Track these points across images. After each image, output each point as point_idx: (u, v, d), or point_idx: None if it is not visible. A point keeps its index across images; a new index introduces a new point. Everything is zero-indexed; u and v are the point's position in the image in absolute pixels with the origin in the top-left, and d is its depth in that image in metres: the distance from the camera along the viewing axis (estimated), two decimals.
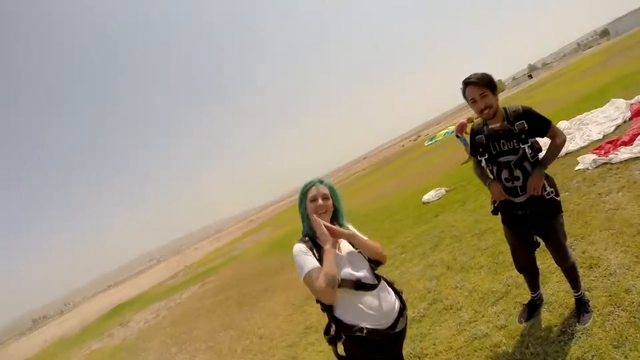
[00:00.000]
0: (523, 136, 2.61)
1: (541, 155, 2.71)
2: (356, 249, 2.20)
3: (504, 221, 3.00)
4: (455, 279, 4.51)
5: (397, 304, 2.22)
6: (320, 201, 2.17)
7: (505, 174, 2.74)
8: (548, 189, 2.66)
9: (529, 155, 2.63)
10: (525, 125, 2.60)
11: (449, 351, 3.33)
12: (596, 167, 5.67)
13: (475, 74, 2.63)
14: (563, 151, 7.11)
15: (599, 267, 3.36)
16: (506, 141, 2.69)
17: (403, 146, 73.55)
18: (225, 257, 23.01)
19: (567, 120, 8.87)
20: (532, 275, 3.17)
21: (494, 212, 2.95)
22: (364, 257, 2.20)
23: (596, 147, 6.36)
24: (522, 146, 2.62)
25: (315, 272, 1.96)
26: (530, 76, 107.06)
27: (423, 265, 5.42)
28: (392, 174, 23.17)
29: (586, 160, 5.93)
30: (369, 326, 2.01)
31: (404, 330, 2.21)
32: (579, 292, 2.93)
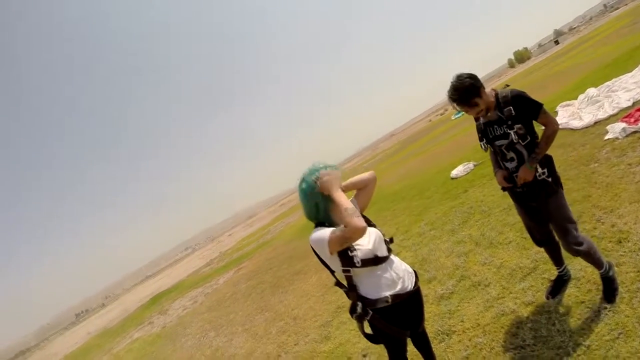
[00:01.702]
0: (510, 122, 2.71)
1: (534, 140, 2.77)
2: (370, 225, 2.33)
3: (512, 198, 3.12)
4: (484, 255, 4.52)
5: (406, 266, 2.41)
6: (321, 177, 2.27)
7: (500, 156, 2.92)
8: (539, 170, 2.72)
9: (515, 141, 2.72)
10: (513, 111, 2.68)
11: (477, 328, 3.39)
12: (626, 135, 5.54)
13: (454, 87, 2.68)
14: (592, 119, 6.98)
15: (628, 241, 3.31)
16: (498, 126, 2.81)
17: (430, 121, 72.75)
18: (259, 241, 23.26)
19: (595, 87, 8.65)
20: (552, 249, 3.17)
21: (503, 189, 3.04)
22: (379, 232, 2.35)
23: (626, 114, 6.19)
24: (509, 131, 2.72)
25: (337, 230, 2.11)
26: (556, 42, 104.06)
27: (452, 241, 5.45)
28: (420, 150, 22.97)
29: (615, 129, 5.80)
30: (391, 293, 2.20)
31: (419, 290, 2.41)
32: (603, 269, 2.87)
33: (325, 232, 2.15)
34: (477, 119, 3.00)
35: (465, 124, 21.02)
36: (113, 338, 16.71)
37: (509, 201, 5.53)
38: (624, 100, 7.07)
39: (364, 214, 2.44)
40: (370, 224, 2.37)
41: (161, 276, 75.82)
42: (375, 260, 2.21)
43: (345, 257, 2.15)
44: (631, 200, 3.90)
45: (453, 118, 35.32)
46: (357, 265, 2.14)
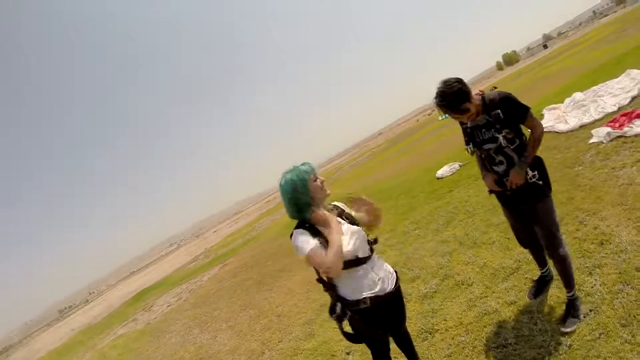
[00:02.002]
0: (498, 126, 2.62)
1: (523, 142, 2.71)
2: (352, 224, 2.34)
3: (499, 201, 3.08)
4: (467, 254, 4.56)
5: (387, 267, 2.42)
6: (322, 181, 2.28)
7: (489, 160, 2.82)
8: (530, 173, 2.65)
9: (503, 145, 2.63)
10: (501, 114, 2.59)
11: (459, 327, 3.40)
12: (610, 140, 5.60)
13: (442, 93, 2.57)
14: (578, 123, 7.04)
15: (610, 243, 3.36)
16: (486, 130, 2.71)
17: (418, 120, 73.06)
18: (244, 238, 23.18)
19: (582, 91, 8.74)
20: (537, 251, 3.17)
21: (490, 192, 3.00)
22: (362, 232, 2.32)
23: (611, 119, 6.27)
24: (497, 135, 2.63)
25: (319, 249, 2.07)
26: (545, 46, 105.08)
27: (436, 241, 5.48)
28: (407, 149, 23.11)
29: (600, 133, 5.87)
30: (370, 294, 2.20)
31: (399, 290, 2.41)
32: (572, 293, 2.84)
33: (306, 245, 2.08)
34: (462, 123, 2.91)
35: (452, 124, 21.16)
36: (97, 334, 16.50)
37: (494, 202, 5.58)
38: (610, 105, 7.14)
39: (345, 206, 2.48)
40: (353, 222, 2.35)
41: (146, 272, 75.30)
42: (356, 262, 2.19)
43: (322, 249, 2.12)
44: (614, 203, 3.95)
45: (440, 119, 35.56)
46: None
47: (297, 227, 2.21)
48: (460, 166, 9.16)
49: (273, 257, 10.99)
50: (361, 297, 2.18)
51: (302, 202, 2.19)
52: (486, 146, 2.75)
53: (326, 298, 5.50)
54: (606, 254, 3.27)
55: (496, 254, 4.20)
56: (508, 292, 3.47)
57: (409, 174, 12.52)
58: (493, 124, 2.64)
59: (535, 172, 2.67)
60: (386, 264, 2.43)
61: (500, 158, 2.72)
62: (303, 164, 2.28)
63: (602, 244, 3.42)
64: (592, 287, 2.97)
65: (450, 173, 9.02)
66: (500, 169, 2.76)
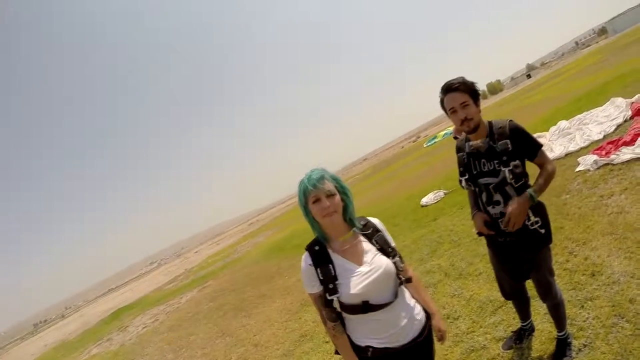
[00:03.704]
0: (504, 158, 2.26)
1: (526, 183, 2.34)
2: (383, 252, 1.88)
3: (488, 244, 2.71)
4: (453, 286, 4.38)
5: (420, 316, 1.90)
6: (325, 201, 1.77)
7: (485, 197, 2.44)
8: (532, 218, 2.29)
9: (509, 180, 2.25)
10: (510, 146, 2.25)
11: None
12: (597, 168, 5.56)
13: (456, 79, 2.29)
14: (563, 151, 7.00)
15: (602, 274, 3.23)
16: (487, 161, 2.36)
17: (403, 147, 73.55)
18: (225, 260, 22.87)
19: (567, 120, 8.76)
20: (521, 303, 2.88)
21: (479, 234, 2.57)
22: (389, 269, 1.82)
23: (597, 147, 6.25)
24: (502, 169, 2.26)
25: (319, 300, 1.80)
26: (528, 76, 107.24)
27: (420, 271, 5.28)
28: (391, 176, 23.08)
29: (587, 161, 5.82)
30: (377, 345, 1.76)
31: (427, 342, 1.90)
32: (563, 332, 2.67)
33: (308, 287, 1.81)
34: (459, 150, 2.56)
35: (438, 151, 21.24)
36: (70, 353, 16.04)
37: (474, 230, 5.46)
38: (595, 133, 7.14)
39: (381, 224, 2.04)
40: (385, 250, 1.89)
41: (125, 289, 74.05)
42: (363, 308, 1.73)
43: (323, 298, 1.79)
44: (604, 232, 3.85)
45: (425, 145, 35.69)
46: (336, 309, 1.77)
47: (309, 246, 1.85)
48: (445, 194, 9.04)
49: (253, 282, 10.73)
50: (364, 345, 1.78)
51: (311, 224, 1.88)
52: (484, 180, 2.39)
53: (305, 329, 5.29)
54: (598, 285, 3.13)
55: (483, 286, 4.03)
56: (496, 327, 3.29)
57: (393, 201, 12.42)
58: (498, 155, 2.29)
59: (538, 219, 2.31)
60: (418, 305, 1.93)
61: (498, 197, 2.36)
62: (310, 174, 1.83)
63: (594, 275, 3.29)
64: (584, 321, 2.83)
65: (435, 201, 8.91)
66: (495, 210, 2.40)
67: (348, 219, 1.89)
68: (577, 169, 5.85)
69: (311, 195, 1.78)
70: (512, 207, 2.21)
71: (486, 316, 3.51)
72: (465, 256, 5.00)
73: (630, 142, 5.61)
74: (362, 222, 1.95)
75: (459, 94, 2.27)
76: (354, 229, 1.90)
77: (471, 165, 2.46)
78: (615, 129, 6.98)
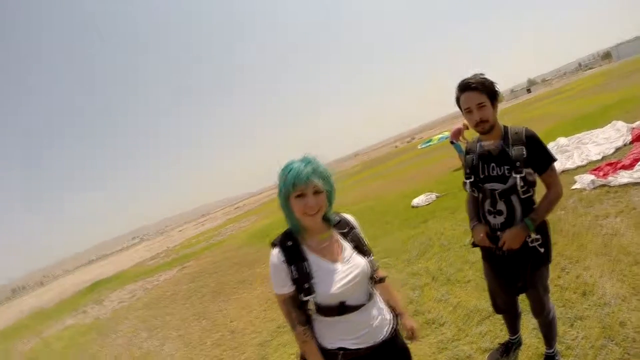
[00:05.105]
0: (518, 164, 2.14)
1: (532, 196, 2.24)
2: (359, 251, 1.78)
3: (484, 257, 2.60)
4: (440, 291, 4.30)
5: (389, 316, 1.83)
6: (311, 199, 1.62)
7: (487, 204, 2.32)
8: (533, 235, 2.18)
9: (519, 188, 2.14)
10: (524, 153, 2.14)
11: None
12: (594, 188, 5.54)
13: (474, 77, 2.17)
14: (560, 167, 6.95)
15: (593, 294, 3.18)
16: (497, 165, 2.25)
17: (397, 147, 73.59)
18: (208, 242, 22.68)
19: (566, 137, 8.76)
20: (512, 318, 2.81)
21: (474, 245, 2.48)
22: (365, 268, 1.74)
23: (595, 167, 6.24)
24: (513, 175, 2.15)
25: (289, 303, 1.64)
26: (529, 90, 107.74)
27: (407, 272, 5.21)
28: (383, 174, 23.02)
29: (584, 180, 5.80)
30: (349, 346, 1.66)
31: (392, 342, 1.78)
32: (552, 350, 2.60)
33: (277, 287, 1.66)
34: (469, 151, 2.45)
35: (432, 154, 21.21)
36: (45, 321, 15.84)
37: (471, 238, 5.39)
38: (594, 153, 7.13)
39: (356, 221, 1.93)
40: (360, 248, 1.80)
41: (105, 262, 73.64)
42: (340, 309, 1.64)
43: (294, 299, 1.65)
44: (597, 252, 3.81)
45: (420, 147, 35.64)
46: (310, 311, 1.64)
47: (279, 241, 1.70)
48: (437, 197, 8.99)
49: (235, 267, 10.61)
50: (335, 348, 1.67)
51: (287, 216, 1.72)
52: (490, 185, 2.28)
53: (283, 319, 5.15)
54: (589, 305, 3.08)
55: (471, 294, 3.95)
56: (483, 337, 3.21)
57: (383, 199, 12.36)
58: (511, 161, 2.16)
59: (539, 236, 2.20)
60: (385, 306, 1.86)
61: (502, 207, 2.24)
62: (300, 164, 1.64)
63: (585, 294, 3.24)
64: (573, 340, 2.77)
65: (426, 203, 8.84)
66: (497, 220, 2.28)
67: (326, 217, 1.78)
68: (573, 187, 5.83)
69: (298, 188, 1.61)
70: (507, 234, 2.17)
71: (473, 325, 3.43)
72: (454, 262, 4.93)
73: (629, 167, 5.60)
74: (337, 219, 1.85)
75: (477, 93, 2.15)
76: (332, 228, 1.80)
77: (479, 168, 2.34)
78: (614, 152, 6.98)
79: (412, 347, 3.39)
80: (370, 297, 1.74)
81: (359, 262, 1.72)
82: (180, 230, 78.89)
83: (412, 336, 1.97)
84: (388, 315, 1.82)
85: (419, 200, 9.13)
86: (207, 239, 25.59)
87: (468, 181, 2.40)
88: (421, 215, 7.93)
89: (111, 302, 13.49)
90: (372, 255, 1.83)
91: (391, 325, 1.80)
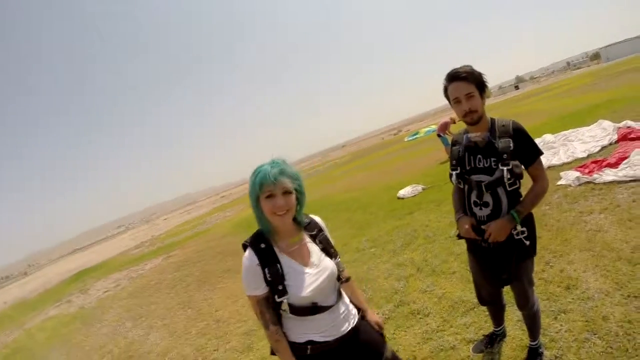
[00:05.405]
0: (504, 156, 2.13)
1: (519, 188, 2.24)
2: (327, 253, 1.86)
3: (469, 249, 2.58)
4: (425, 282, 4.33)
5: (354, 311, 1.93)
6: (280, 199, 1.66)
7: (474, 196, 2.30)
8: (519, 228, 2.18)
9: (506, 181, 2.14)
10: (511, 145, 2.12)
11: None
12: (579, 184, 5.59)
13: (463, 68, 2.15)
14: (546, 163, 7.00)
15: (577, 289, 3.21)
16: (483, 157, 2.24)
17: (383, 139, 73.73)
18: (193, 230, 22.64)
19: (552, 134, 8.83)
20: (497, 310, 2.84)
21: (459, 236, 2.47)
22: (333, 270, 1.82)
23: (580, 165, 6.31)
24: (500, 167, 2.14)
25: (263, 304, 1.69)
26: (517, 87, 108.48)
27: (392, 263, 5.25)
28: (370, 165, 23.15)
29: (569, 177, 5.86)
30: (318, 339, 1.73)
31: (356, 332, 1.85)
32: (536, 342, 2.63)
33: (249, 289, 1.69)
34: (455, 142, 2.43)
35: (418, 147, 21.28)
36: (28, 312, 15.66)
37: (454, 231, 5.42)
38: (580, 151, 7.19)
39: (323, 224, 1.97)
40: (327, 251, 1.86)
41: (90, 251, 72.99)
42: (312, 310, 1.71)
43: (268, 300, 1.70)
44: (582, 248, 3.85)
45: (406, 140, 35.59)
46: (283, 311, 1.70)
47: (251, 242, 1.74)
48: (423, 189, 9.04)
49: (220, 256, 10.61)
50: (303, 341, 1.73)
51: (258, 217, 1.75)
52: (477, 177, 2.26)
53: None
54: (572, 299, 3.11)
55: (456, 286, 3.98)
56: (467, 328, 3.24)
57: (369, 190, 12.44)
58: (498, 153, 2.15)
59: (525, 229, 2.20)
60: (350, 303, 1.95)
61: (488, 198, 2.23)
62: (268, 165, 1.68)
63: (569, 288, 3.27)
64: (557, 333, 2.80)
65: (412, 195, 8.89)
66: (483, 212, 2.27)
67: (297, 219, 1.83)
68: (559, 183, 5.88)
69: (266, 189, 1.65)
70: (493, 225, 2.16)
71: (457, 316, 3.46)
72: (439, 253, 4.96)
73: (615, 165, 5.66)
74: (306, 221, 1.89)
75: (465, 83, 2.12)
76: (302, 230, 1.85)
77: (465, 159, 2.33)
78: (600, 150, 7.03)
79: (397, 335, 3.43)
80: (339, 296, 1.85)
81: (328, 265, 1.79)
82: (165, 219, 78.45)
83: (379, 330, 2.03)
84: (354, 311, 1.92)
85: (405, 191, 9.19)
86: (193, 227, 25.53)
87: (454, 173, 2.39)
88: (407, 206, 7.97)
89: (96, 291, 13.39)
90: (339, 257, 1.91)
91: (356, 319, 1.89)
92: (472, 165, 2.29)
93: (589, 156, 6.86)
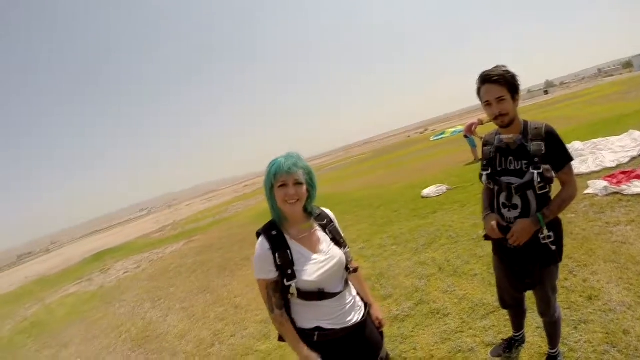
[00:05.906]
0: (536, 159, 2.12)
1: (549, 193, 2.21)
2: (336, 243, 1.95)
3: (494, 251, 2.59)
4: (446, 282, 4.34)
5: (361, 303, 2.02)
6: (291, 189, 1.79)
7: (503, 198, 2.30)
8: (545, 232, 2.15)
9: (536, 184, 2.12)
10: (543, 149, 2.11)
11: (430, 359, 3.17)
12: (606, 194, 5.51)
13: (496, 69, 2.14)
14: (574, 171, 6.93)
15: (599, 300, 3.19)
16: (515, 159, 2.24)
17: (409, 137, 73.21)
18: (215, 217, 22.89)
19: (581, 141, 8.71)
20: (518, 314, 2.84)
21: (486, 237, 2.44)
22: (341, 259, 1.90)
23: (608, 174, 6.20)
24: (531, 170, 2.13)
25: (272, 287, 1.79)
26: (546, 92, 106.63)
27: (414, 261, 5.26)
28: (393, 162, 23.07)
29: (597, 186, 5.78)
30: (325, 326, 1.83)
31: (362, 326, 1.94)
32: (555, 350, 2.63)
33: (260, 272, 1.79)
34: (486, 143, 2.42)
35: (444, 146, 21.11)
36: (49, 287, 16.04)
37: (479, 232, 5.40)
38: (609, 160, 7.08)
39: (333, 215, 2.08)
40: (337, 241, 1.96)
41: (111, 233, 74.19)
42: (319, 295, 1.80)
43: (277, 284, 1.79)
44: (606, 259, 3.80)
45: (432, 139, 35.44)
46: (291, 295, 1.78)
47: (264, 230, 1.86)
48: (447, 189, 9.01)
49: (240, 243, 10.73)
50: (311, 327, 1.83)
51: (271, 206, 1.88)
52: (507, 179, 2.26)
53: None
54: (594, 310, 3.09)
55: (477, 288, 3.98)
56: (486, 331, 3.25)
57: (392, 187, 12.41)
58: (529, 156, 2.15)
59: (552, 234, 2.18)
60: (357, 295, 2.04)
61: (517, 201, 2.22)
62: (284, 158, 1.82)
63: (591, 298, 3.24)
64: (576, 343, 2.79)
65: (437, 194, 8.86)
66: (511, 214, 2.26)
67: (307, 209, 1.95)
68: (586, 192, 5.80)
69: (280, 179, 1.78)
70: (517, 227, 2.15)
71: (477, 319, 3.47)
72: (461, 254, 4.96)
73: None
74: (317, 212, 2.00)
75: (497, 86, 2.12)
76: (312, 219, 1.96)
77: (497, 160, 2.33)
78: (629, 161, 6.91)
79: (415, 334, 3.46)
80: (345, 284, 1.93)
81: (336, 253, 1.89)
82: (187, 205, 79.22)
83: (380, 325, 2.12)
84: (360, 303, 2.02)
85: (429, 191, 9.17)
86: (214, 214, 25.77)
87: (485, 173, 2.38)
88: (430, 206, 7.96)
89: (116, 272, 13.67)
90: (348, 248, 2.01)
91: (363, 312, 1.98)
92: (503, 167, 2.30)
93: (618, 166, 6.75)
